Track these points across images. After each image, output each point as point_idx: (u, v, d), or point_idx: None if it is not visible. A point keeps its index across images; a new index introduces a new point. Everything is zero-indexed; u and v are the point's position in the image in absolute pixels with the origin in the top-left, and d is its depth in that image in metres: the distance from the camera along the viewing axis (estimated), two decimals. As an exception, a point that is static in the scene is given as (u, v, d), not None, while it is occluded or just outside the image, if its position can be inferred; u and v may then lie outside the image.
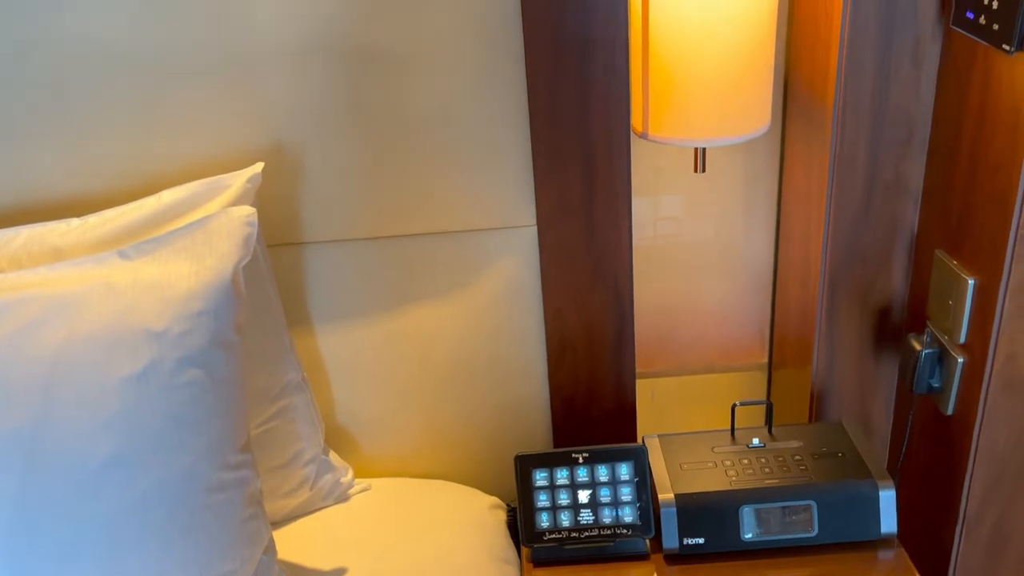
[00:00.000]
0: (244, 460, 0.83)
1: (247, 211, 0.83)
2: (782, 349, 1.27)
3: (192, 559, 0.79)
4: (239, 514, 0.82)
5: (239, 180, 0.90)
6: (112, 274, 0.79)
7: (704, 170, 1.10)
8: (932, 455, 1.09)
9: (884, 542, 0.98)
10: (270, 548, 0.87)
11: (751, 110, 1.02)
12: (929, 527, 1.11)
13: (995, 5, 0.85)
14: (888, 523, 0.97)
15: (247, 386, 0.86)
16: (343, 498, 1.07)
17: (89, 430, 0.74)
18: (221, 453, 0.80)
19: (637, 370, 1.31)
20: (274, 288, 0.98)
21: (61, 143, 0.95)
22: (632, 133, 1.07)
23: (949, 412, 1.02)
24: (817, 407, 1.17)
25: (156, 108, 0.94)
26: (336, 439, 1.13)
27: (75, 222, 0.89)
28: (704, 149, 1.09)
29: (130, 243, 0.83)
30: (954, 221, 0.99)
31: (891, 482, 0.96)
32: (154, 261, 0.80)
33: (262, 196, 0.98)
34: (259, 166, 0.92)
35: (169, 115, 0.95)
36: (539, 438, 1.18)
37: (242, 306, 0.81)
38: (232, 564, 0.81)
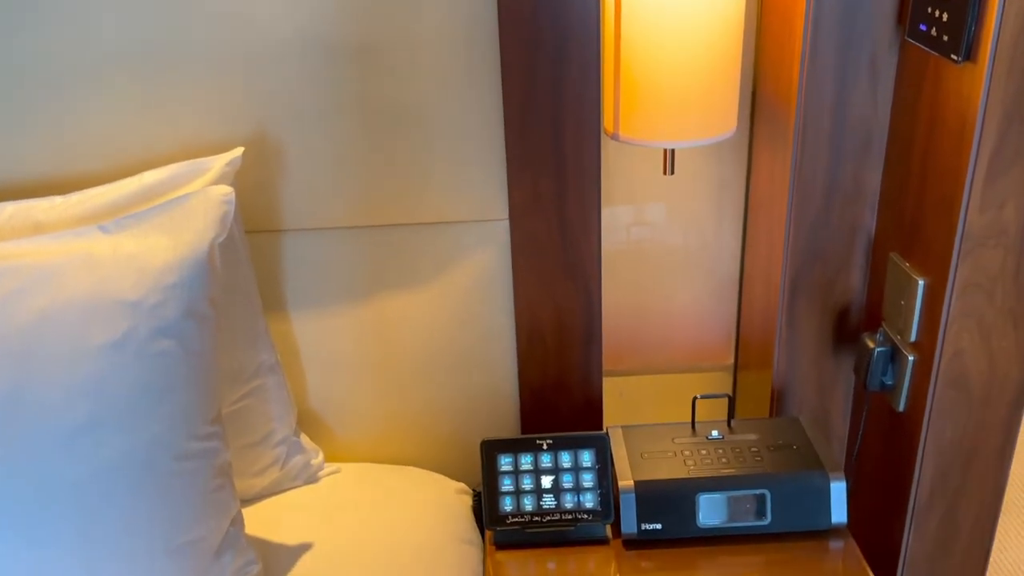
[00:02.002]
0: (214, 432, 0.85)
1: (224, 190, 0.86)
2: (747, 349, 1.31)
3: (159, 524, 0.81)
4: (207, 484, 0.84)
5: (218, 163, 0.93)
6: (92, 247, 0.82)
7: (673, 172, 1.13)
8: (884, 450, 1.12)
9: (835, 532, 1.01)
10: (237, 520, 0.90)
11: (718, 114, 1.06)
12: (880, 519, 1.14)
13: (945, 17, 0.89)
14: (839, 514, 1.00)
15: (220, 361, 0.89)
16: (312, 480, 1.10)
17: (64, 395, 0.77)
18: (191, 423, 0.83)
19: (607, 368, 1.34)
20: (251, 272, 1.01)
21: (47, 126, 0.98)
22: (603, 135, 1.10)
23: (901, 408, 1.06)
24: (777, 405, 1.20)
25: (141, 94, 0.98)
26: (308, 423, 1.15)
27: (58, 199, 0.92)
28: (673, 151, 1.13)
29: (111, 219, 0.86)
30: (907, 225, 1.03)
31: (842, 474, 1.00)
32: (133, 235, 0.83)
33: (243, 183, 1.02)
34: (239, 150, 0.95)
35: (153, 101, 0.98)
36: (507, 429, 1.21)
37: (216, 282, 0.84)
38: (199, 532, 0.84)
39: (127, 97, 0.98)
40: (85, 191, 0.93)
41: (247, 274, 1.00)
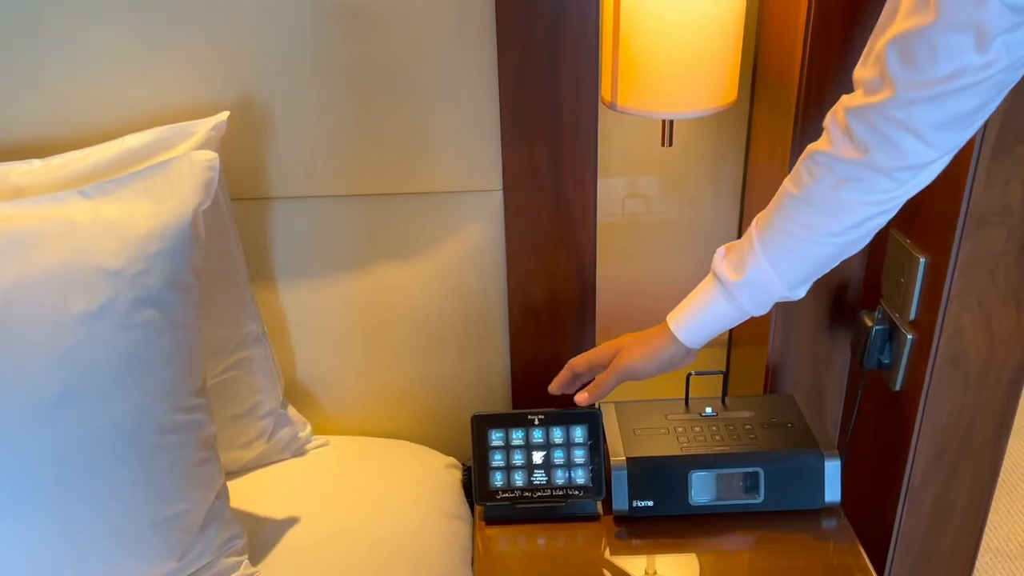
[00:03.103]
0: (198, 404, 0.83)
1: (209, 155, 0.83)
2: (742, 325, 1.28)
3: (142, 497, 0.79)
4: (192, 457, 0.83)
5: (204, 127, 0.90)
6: (71, 213, 0.80)
7: (671, 143, 1.11)
8: (879, 429, 1.11)
9: (828, 511, 1.00)
10: (223, 493, 0.88)
11: (719, 84, 1.03)
12: (874, 498, 1.14)
13: (955, -13, 0.87)
14: (832, 492, 0.99)
15: (204, 332, 0.87)
16: (300, 452, 1.08)
17: (42, 365, 0.75)
18: (175, 395, 0.81)
19: (601, 343, 1.33)
20: (237, 240, 0.98)
21: (26, 87, 0.95)
22: (601, 104, 1.08)
23: (897, 388, 1.05)
24: (772, 382, 1.19)
25: (124, 54, 0.94)
26: (296, 395, 1.14)
27: (37, 163, 0.89)
28: (672, 122, 1.11)
29: (91, 184, 0.83)
30: (909, 201, 1.01)
31: (836, 453, 0.99)
32: (114, 201, 0.80)
33: (229, 149, 0.99)
34: (224, 114, 0.92)
35: (137, 62, 0.95)
36: (499, 402, 1.20)
37: (200, 250, 0.82)
38: (183, 505, 0.82)
39: (109, 58, 0.94)
40: (65, 155, 0.90)
41: (233, 242, 0.97)
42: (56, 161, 0.89)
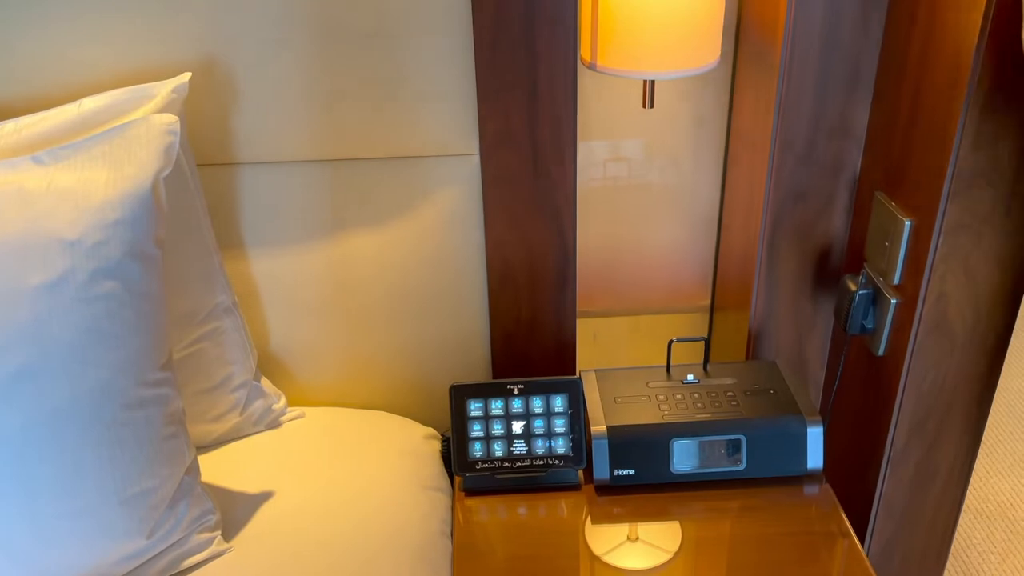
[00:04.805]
0: (164, 378, 0.81)
1: (169, 119, 0.80)
2: (724, 291, 1.28)
3: (108, 475, 0.77)
4: (159, 432, 0.80)
5: (164, 89, 0.86)
6: (25, 180, 0.76)
7: (652, 105, 1.08)
8: (862, 395, 1.11)
9: (810, 477, 1.00)
10: (193, 468, 0.86)
11: (701, 44, 1.00)
12: (857, 464, 1.13)
13: (944, -60, 0.84)
14: (815, 459, 0.98)
15: (170, 303, 0.84)
16: (274, 425, 1.06)
17: (-2, 339, 0.72)
18: (139, 369, 0.78)
19: (581, 309, 1.31)
20: (203, 207, 0.95)
21: (-22, 47, 0.90)
22: (580, 64, 1.05)
23: (880, 353, 1.03)
24: (754, 347, 1.18)
25: (81, 12, 0.90)
26: (270, 366, 1.11)
27: (-11, 128, 0.85)
28: (653, 83, 1.08)
29: (45, 150, 0.79)
30: (894, 163, 0.99)
31: (819, 419, 0.98)
32: (69, 168, 0.76)
33: (193, 113, 0.95)
34: (186, 76, 0.88)
35: (95, 20, 0.90)
36: (478, 372, 1.18)
37: (162, 218, 0.78)
38: (151, 481, 0.80)
39: (65, 16, 0.90)
40: (18, 119, 0.85)
41: (198, 210, 0.94)
42: (9, 126, 0.85)
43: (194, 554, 0.85)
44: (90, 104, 0.85)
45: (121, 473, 0.78)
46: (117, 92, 0.85)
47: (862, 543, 1.12)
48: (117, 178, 0.76)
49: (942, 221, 0.91)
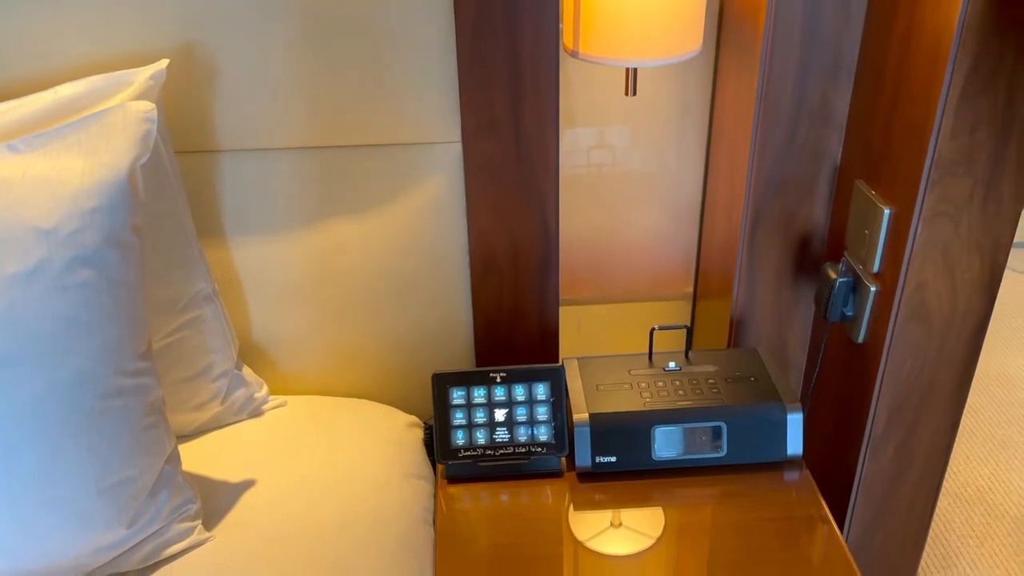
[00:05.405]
0: (144, 367, 0.80)
1: (145, 106, 0.79)
2: (706, 279, 1.28)
3: (88, 464, 0.77)
4: (138, 422, 0.80)
5: (142, 76, 0.85)
6: (0, 168, 0.75)
7: (635, 93, 1.08)
8: (842, 382, 1.11)
9: (790, 463, 1.00)
10: (173, 458, 0.86)
11: (684, 31, 1.00)
12: (836, 450, 1.14)
13: (924, -72, 0.84)
14: (794, 445, 0.99)
15: (150, 291, 0.83)
16: (256, 413, 1.05)
17: (-27, 329, 0.71)
18: (118, 358, 0.77)
19: (564, 297, 1.31)
20: (182, 195, 0.94)
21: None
22: (563, 51, 1.04)
23: (860, 340, 1.04)
24: (736, 335, 1.18)
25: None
26: (251, 355, 1.11)
27: (-37, 115, 0.84)
28: (636, 71, 1.08)
29: (20, 137, 0.78)
30: (875, 151, 1.00)
31: (799, 406, 0.99)
32: (45, 156, 0.75)
33: (172, 100, 0.94)
34: (163, 62, 0.87)
35: (71, 5, 0.89)
36: (461, 360, 1.18)
37: (139, 206, 0.78)
38: (131, 471, 0.80)
39: (39, 1, 0.88)
40: (-8, 106, 0.84)
41: (177, 197, 0.93)
42: (-17, 113, 0.84)
43: (174, 543, 0.84)
44: (66, 91, 0.84)
45: (100, 463, 0.77)
46: (93, 79, 0.84)
47: (841, 528, 1.13)
48: (93, 166, 0.75)
49: (921, 209, 0.92)
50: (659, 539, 0.92)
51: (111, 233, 0.75)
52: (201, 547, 0.86)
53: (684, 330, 1.08)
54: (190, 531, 0.86)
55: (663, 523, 0.94)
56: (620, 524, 0.95)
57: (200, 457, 0.97)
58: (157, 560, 0.84)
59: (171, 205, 0.92)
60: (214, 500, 0.91)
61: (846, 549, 0.90)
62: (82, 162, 0.75)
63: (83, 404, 0.75)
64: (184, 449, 0.96)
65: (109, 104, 0.83)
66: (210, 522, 0.89)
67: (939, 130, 0.87)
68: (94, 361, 0.75)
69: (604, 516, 0.95)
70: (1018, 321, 2.25)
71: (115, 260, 0.76)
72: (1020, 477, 1.75)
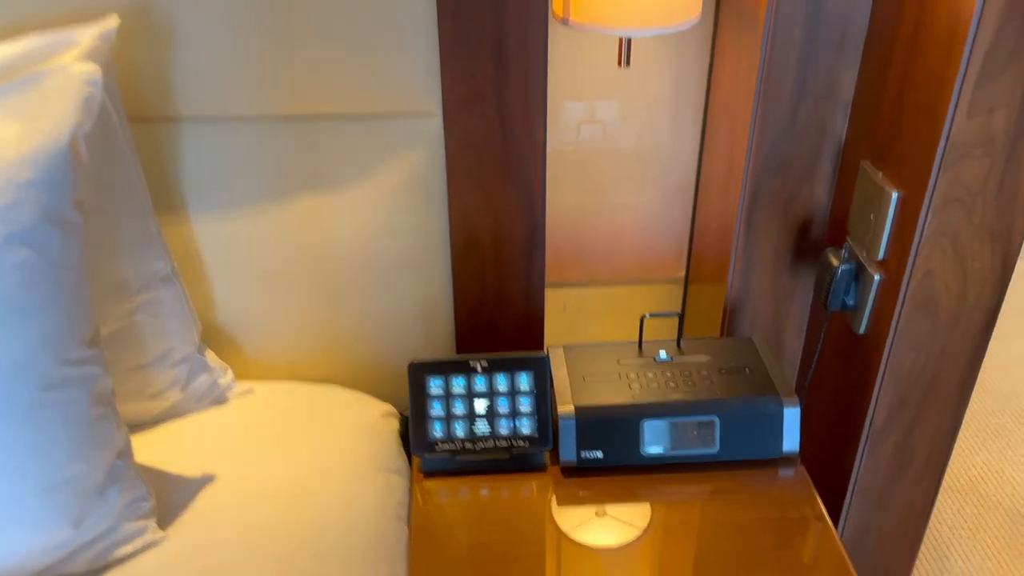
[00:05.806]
0: (90, 355, 0.74)
1: (89, 67, 0.71)
2: (700, 262, 1.22)
3: (29, 462, 0.70)
4: (85, 414, 0.74)
5: (89, 35, 0.77)
6: (-75, 134, 0.68)
7: (628, 64, 1.02)
8: (841, 374, 1.06)
9: (786, 460, 0.96)
10: (125, 451, 0.79)
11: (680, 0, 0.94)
12: (833, 446, 1.09)
13: None
14: (791, 441, 0.94)
15: (100, 273, 0.76)
16: (220, 401, 0.99)
17: None
18: (59, 346, 0.71)
19: (550, 280, 1.26)
20: (136, 167, 0.87)
21: None
22: (552, 19, 0.98)
23: (861, 331, 0.99)
24: (730, 322, 1.13)
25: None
26: (216, 339, 1.04)
27: None
28: (630, 41, 1.01)
29: (-50, 100, 0.71)
30: (883, 131, 0.94)
31: (796, 400, 0.93)
32: (-25, 121, 0.68)
33: (125, 62, 0.86)
34: (113, 20, 0.80)
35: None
36: (442, 345, 1.12)
37: (83, 179, 0.71)
38: (78, 467, 0.74)
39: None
40: (-78, 66, 0.77)
41: (131, 169, 0.86)
42: (-89, 73, 0.76)
43: (125, 544, 0.79)
44: (3, 51, 0.76)
45: (42, 459, 0.71)
46: (34, 38, 0.77)
47: (836, 526, 1.09)
48: (30, 132, 0.68)
49: (932, 194, 0.86)
50: (645, 534, 0.87)
51: (50, 208, 0.68)
52: (155, 547, 0.80)
53: (676, 318, 1.02)
54: (142, 530, 0.80)
55: (650, 523, 0.89)
56: (605, 525, 0.90)
57: (157, 449, 0.91)
58: (107, 562, 0.78)
59: (124, 177, 0.84)
60: (171, 496, 0.85)
61: (842, 550, 0.86)
62: (18, 128, 0.68)
63: (21, 396, 0.69)
64: (140, 440, 0.90)
65: (50, 66, 0.75)
66: (165, 520, 0.83)
67: (955, 110, 0.81)
68: (33, 350, 0.69)
69: (588, 514, 0.90)
70: (1011, 308, 2.21)
71: (55, 238, 0.69)
72: (1013, 467, 1.72)
